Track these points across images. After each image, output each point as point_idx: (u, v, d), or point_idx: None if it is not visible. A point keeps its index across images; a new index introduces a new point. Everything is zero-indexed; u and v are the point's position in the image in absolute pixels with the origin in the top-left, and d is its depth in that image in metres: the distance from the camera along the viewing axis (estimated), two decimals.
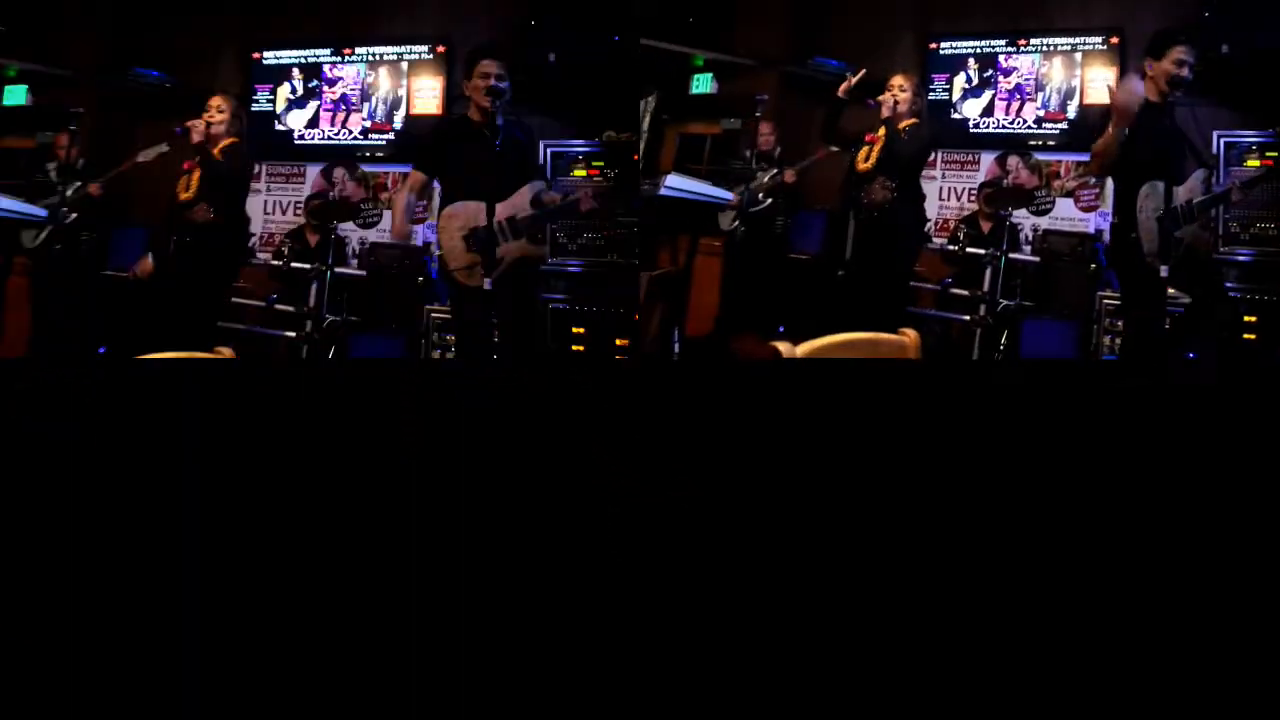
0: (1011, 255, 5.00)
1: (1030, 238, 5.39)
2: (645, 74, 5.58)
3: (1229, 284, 4.68)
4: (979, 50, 5.72)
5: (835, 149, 5.03)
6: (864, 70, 4.71)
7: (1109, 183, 5.32)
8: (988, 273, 4.93)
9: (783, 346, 2.38)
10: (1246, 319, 4.67)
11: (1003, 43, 5.66)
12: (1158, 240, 3.88)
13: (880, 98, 4.66)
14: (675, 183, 5.07)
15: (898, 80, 4.71)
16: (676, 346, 5.10)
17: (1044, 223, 5.42)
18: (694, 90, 6.10)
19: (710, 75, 6.08)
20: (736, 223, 5.04)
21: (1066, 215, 5.45)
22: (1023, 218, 5.39)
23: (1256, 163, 4.87)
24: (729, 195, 5.12)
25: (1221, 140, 4.92)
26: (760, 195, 5.21)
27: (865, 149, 4.67)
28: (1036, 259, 5.09)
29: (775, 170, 5.25)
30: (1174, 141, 3.95)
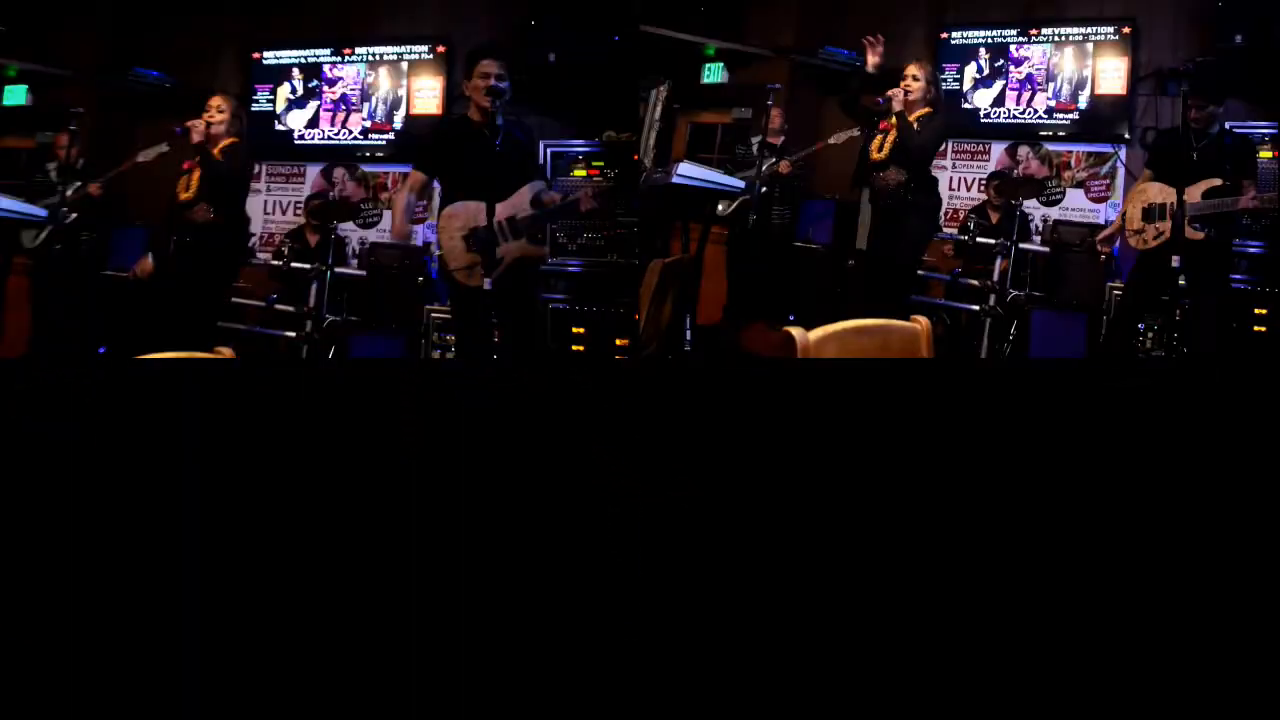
0: (1021, 245, 4.99)
1: (1040, 228, 5.36)
2: (656, 63, 5.56)
3: (1239, 275, 4.67)
4: (990, 40, 5.69)
5: (833, 141, 5.02)
6: (882, 41, 4.63)
7: (1120, 174, 5.33)
8: (998, 263, 4.91)
9: (795, 332, 2.36)
10: (1256, 310, 4.61)
11: (1014, 33, 5.63)
12: (1138, 232, 4.31)
13: (892, 91, 4.59)
14: (688, 171, 5.03)
15: (911, 69, 4.61)
16: (688, 335, 5.06)
17: (1054, 213, 5.41)
18: (705, 79, 6.10)
19: (721, 65, 6.08)
20: (734, 206, 5.00)
21: (1077, 205, 5.42)
22: (1033, 208, 5.38)
23: (1269, 153, 4.83)
24: (740, 183, 5.08)
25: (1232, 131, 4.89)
26: (757, 185, 5.17)
27: (879, 138, 4.61)
28: (1046, 249, 5.06)
29: (773, 159, 5.18)
30: (1210, 159, 4.22)
